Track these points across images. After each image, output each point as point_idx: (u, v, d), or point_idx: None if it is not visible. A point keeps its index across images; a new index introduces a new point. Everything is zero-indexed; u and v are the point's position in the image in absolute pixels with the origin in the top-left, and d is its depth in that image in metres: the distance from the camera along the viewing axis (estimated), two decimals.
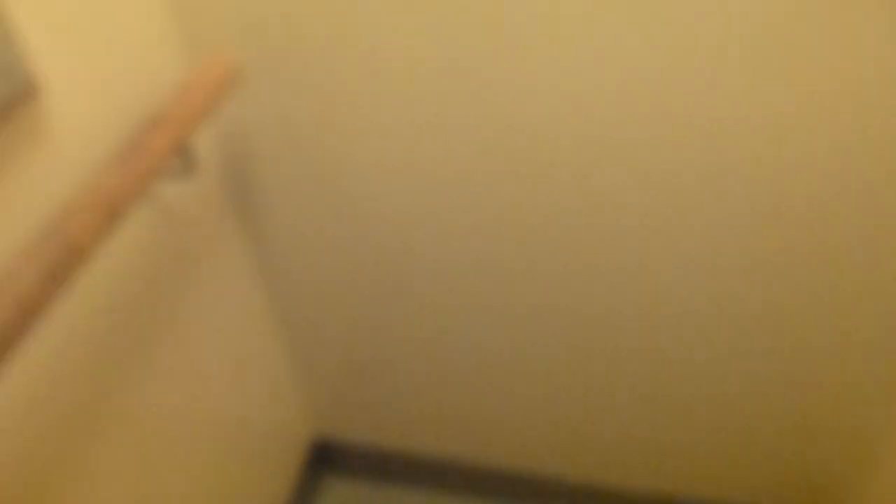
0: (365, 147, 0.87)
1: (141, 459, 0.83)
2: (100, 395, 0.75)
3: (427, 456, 1.34)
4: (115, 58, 0.72)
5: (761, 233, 0.83)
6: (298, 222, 0.98)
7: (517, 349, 1.09)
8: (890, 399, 0.98)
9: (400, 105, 0.81)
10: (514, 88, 0.77)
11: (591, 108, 0.76)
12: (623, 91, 0.74)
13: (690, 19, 0.68)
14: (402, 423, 1.29)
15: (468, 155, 0.85)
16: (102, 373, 0.75)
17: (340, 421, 1.32)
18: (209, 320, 0.95)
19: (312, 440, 1.36)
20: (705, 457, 1.15)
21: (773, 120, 0.73)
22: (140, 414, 0.82)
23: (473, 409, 1.22)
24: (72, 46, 0.65)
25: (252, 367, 1.08)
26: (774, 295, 0.89)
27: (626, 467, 1.22)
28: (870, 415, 1.01)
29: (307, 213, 0.96)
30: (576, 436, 1.19)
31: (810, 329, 0.92)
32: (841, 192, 0.77)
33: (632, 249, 0.90)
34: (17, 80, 0.58)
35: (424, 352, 1.14)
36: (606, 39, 0.71)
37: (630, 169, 0.81)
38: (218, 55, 0.78)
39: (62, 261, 0.57)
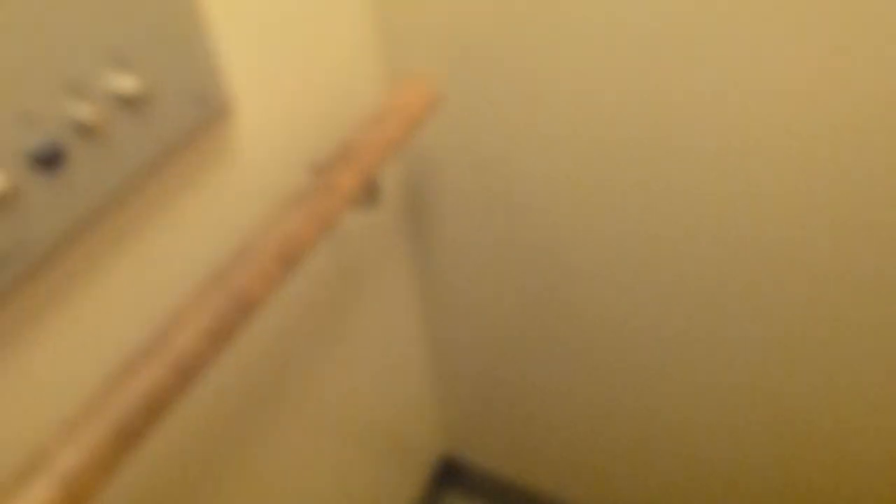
0: (539, 172, 0.78)
1: (298, 458, 0.83)
2: (262, 399, 0.71)
3: (548, 496, 1.27)
4: (310, 77, 0.65)
5: None
6: (463, 242, 0.92)
7: (681, 410, 0.97)
8: None
9: (583, 130, 0.72)
10: (692, 109, 0.65)
11: (785, 129, 0.63)
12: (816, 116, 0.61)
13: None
14: (529, 456, 1.23)
15: (641, 184, 0.74)
16: (266, 382, 0.71)
17: (470, 441, 1.28)
18: (368, 335, 0.91)
19: (441, 456, 1.32)
20: None
21: None
22: (296, 421, 0.79)
23: (607, 459, 1.13)
24: (266, 65, 0.59)
25: (397, 379, 1.05)
26: None
27: None
28: None
29: (472, 233, 0.90)
30: None
31: None
32: None
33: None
34: (211, 101, 0.53)
35: (569, 390, 1.06)
36: (803, 60, 0.57)
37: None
38: (418, 78, 0.70)
39: (231, 314, 0.51)
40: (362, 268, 0.84)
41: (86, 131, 0.44)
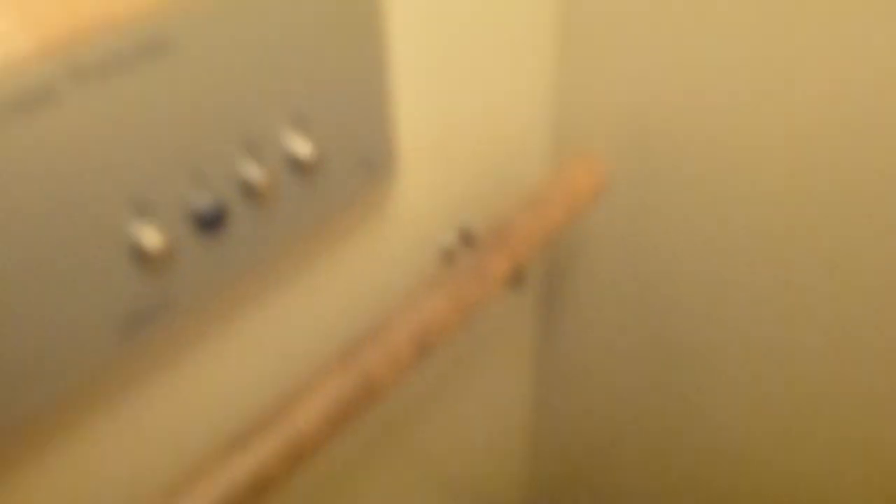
0: (693, 270, 0.72)
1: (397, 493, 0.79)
2: (360, 453, 0.68)
3: None
4: (477, 144, 0.61)
5: None
6: (591, 320, 0.88)
7: None
8: None
9: (754, 239, 0.65)
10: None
11: None
12: None
13: None
14: None
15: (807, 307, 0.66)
16: (367, 438, 0.68)
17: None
18: (477, 398, 0.87)
19: None
20: None
21: None
22: (388, 476, 0.76)
23: None
24: (435, 127, 0.55)
25: (495, 430, 1.01)
26: None
27: None
28: None
29: (605, 314, 0.86)
30: None
31: None
32: None
33: None
34: (379, 164, 0.49)
35: (676, 481, 0.99)
36: None
37: None
38: (587, 158, 0.64)
39: (355, 398, 0.48)
40: (481, 334, 0.80)
41: (251, 193, 0.41)
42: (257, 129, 0.41)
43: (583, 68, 0.65)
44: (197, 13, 0.35)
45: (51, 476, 0.42)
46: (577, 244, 0.78)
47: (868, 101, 0.54)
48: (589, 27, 0.63)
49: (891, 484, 0.76)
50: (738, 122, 0.60)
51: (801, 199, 0.61)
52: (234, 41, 0.37)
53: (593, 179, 0.63)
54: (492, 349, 0.85)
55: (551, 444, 1.12)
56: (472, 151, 0.61)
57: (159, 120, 0.36)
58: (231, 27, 0.37)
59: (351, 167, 0.47)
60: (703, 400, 0.85)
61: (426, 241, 0.61)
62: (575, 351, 0.92)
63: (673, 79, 0.61)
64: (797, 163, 0.59)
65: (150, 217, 0.38)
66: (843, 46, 0.53)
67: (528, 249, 0.58)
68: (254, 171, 0.41)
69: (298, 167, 0.43)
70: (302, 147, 0.43)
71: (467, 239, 0.65)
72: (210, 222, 0.40)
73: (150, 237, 0.38)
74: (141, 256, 0.38)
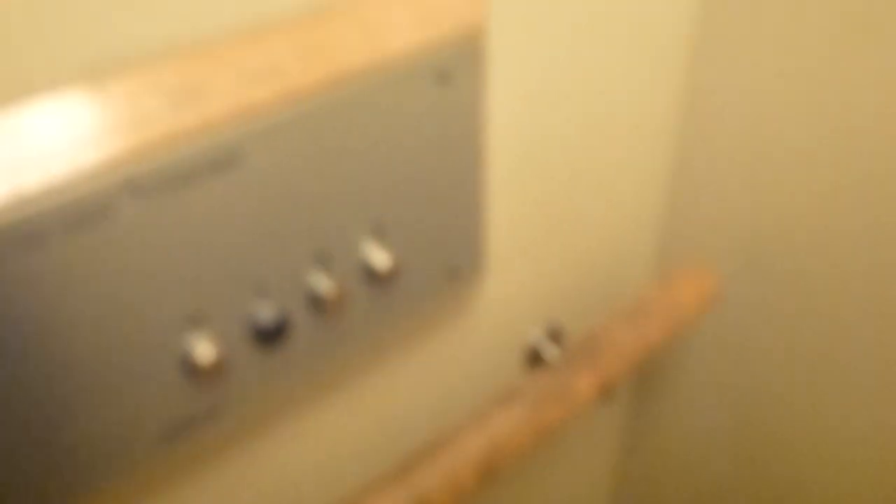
0: (794, 403, 0.64)
1: None
2: None
3: None
4: (573, 249, 0.56)
5: None
6: (684, 433, 0.79)
7: None
8: None
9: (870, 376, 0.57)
10: None
11: None
12: None
13: None
14: None
15: None
16: None
17: None
18: (557, 486, 0.81)
19: None
20: None
21: None
22: None
23: None
24: (527, 230, 0.51)
25: None
26: None
27: None
28: None
29: (692, 425, 0.77)
30: None
31: None
32: None
33: None
34: (463, 272, 0.46)
35: None
36: None
37: None
38: (693, 272, 0.59)
39: None
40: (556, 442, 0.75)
41: (319, 305, 0.39)
42: (330, 240, 0.38)
43: (697, 176, 0.60)
44: (266, 125, 0.33)
45: None
46: (675, 356, 0.71)
47: None
48: (707, 134, 0.58)
49: None
50: (859, 238, 0.53)
51: None
52: (306, 152, 0.35)
53: (701, 294, 0.58)
54: (568, 458, 0.79)
55: None
56: (569, 249, 0.56)
57: (223, 233, 0.34)
58: (303, 138, 0.35)
59: (432, 274, 0.44)
60: None
61: (510, 337, 0.57)
62: (659, 468, 0.86)
63: (793, 193, 0.55)
64: None
65: (205, 330, 0.35)
66: None
67: (622, 367, 0.53)
68: (323, 283, 0.38)
69: (373, 277, 0.40)
70: (378, 257, 0.40)
71: (556, 337, 0.61)
72: (270, 336, 0.37)
73: (203, 351, 0.35)
74: (191, 369, 0.35)
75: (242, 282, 0.36)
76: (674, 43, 0.54)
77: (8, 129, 0.27)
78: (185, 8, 0.30)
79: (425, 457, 0.46)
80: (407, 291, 0.43)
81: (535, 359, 0.61)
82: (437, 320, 0.49)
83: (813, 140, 0.52)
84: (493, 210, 0.48)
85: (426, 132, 0.39)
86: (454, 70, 0.39)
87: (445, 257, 0.44)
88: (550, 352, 0.60)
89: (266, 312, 0.37)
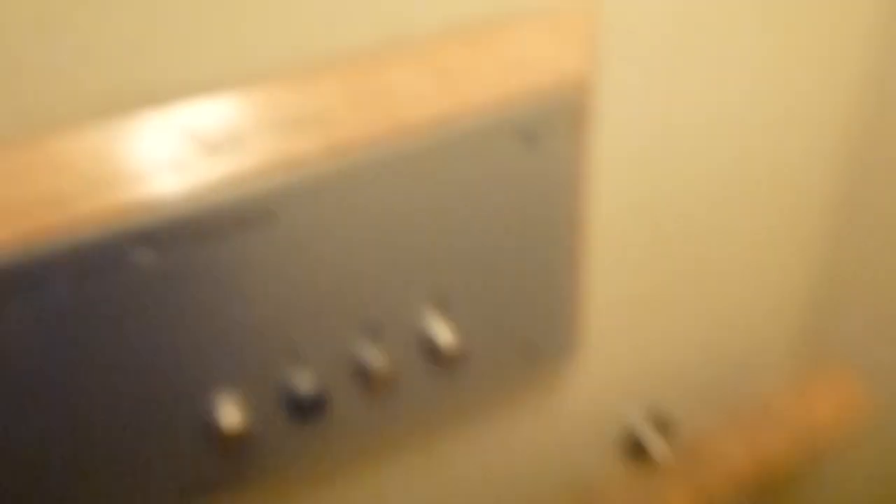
0: None
1: None
2: None
3: None
4: (690, 320, 0.49)
5: None
6: None
7: None
8: None
9: None
10: None
11: None
12: None
13: None
14: None
15: None
16: None
17: None
18: None
19: None
20: None
21: None
22: None
23: None
24: (631, 308, 0.45)
25: None
26: None
27: None
28: None
29: None
30: None
31: None
32: None
33: None
34: (543, 352, 0.40)
35: None
36: None
37: None
38: (837, 378, 0.49)
39: None
40: None
41: (366, 380, 0.34)
42: (382, 309, 0.34)
43: (856, 263, 0.50)
44: (307, 178, 0.29)
45: None
46: (805, 481, 0.61)
47: None
48: (875, 210, 0.49)
49: None
50: None
51: None
52: (356, 210, 0.31)
53: (844, 404, 0.48)
54: None
55: None
56: (684, 332, 0.49)
57: (256, 291, 0.30)
58: (352, 195, 0.31)
59: (507, 353, 0.39)
60: None
61: (606, 424, 0.50)
62: None
63: None
64: None
65: (233, 394, 0.32)
66: None
67: (729, 486, 0.45)
68: (372, 356, 0.34)
69: (433, 353, 0.36)
70: (440, 332, 0.35)
71: (662, 428, 0.53)
72: (306, 408, 0.34)
73: (229, 416, 0.32)
74: (215, 434, 0.32)
75: (278, 349, 0.32)
76: (839, 105, 0.46)
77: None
78: (237, 45, 0.27)
79: None
80: (474, 370, 0.38)
81: (636, 450, 0.54)
82: (515, 401, 0.44)
83: None
84: (592, 283, 0.42)
85: (505, 196, 0.34)
86: (545, 128, 0.34)
87: (525, 334, 0.39)
88: (655, 445, 0.52)
89: (303, 383, 0.33)
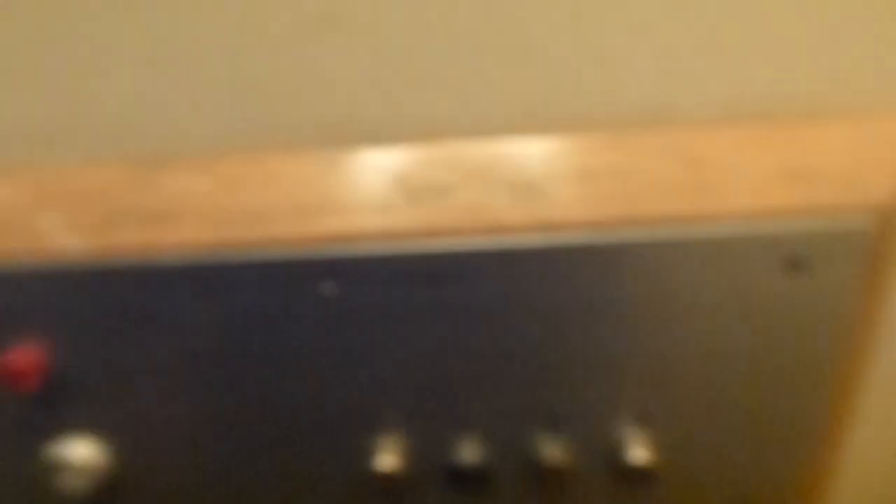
0: None
1: None
2: None
3: None
4: None
5: None
6: None
7: None
8: None
9: None
10: None
11: None
12: None
13: None
14: None
15: None
16: None
17: None
18: None
19: None
20: None
21: None
22: None
23: None
24: None
25: None
26: None
27: None
28: None
29: None
30: None
31: None
32: None
33: None
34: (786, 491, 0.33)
35: None
36: None
37: None
38: None
39: None
40: None
41: (536, 471, 0.31)
42: (569, 404, 0.30)
43: None
44: (503, 250, 0.27)
45: None
46: None
47: None
48: None
49: None
50: None
51: None
52: (559, 293, 0.28)
53: None
54: None
55: None
56: None
57: (433, 350, 0.29)
58: (558, 277, 0.27)
59: (707, 499, 0.33)
60: None
61: None
62: None
63: None
64: None
65: (395, 443, 0.31)
66: None
67: None
68: (549, 450, 0.31)
69: (620, 471, 0.31)
70: (632, 446, 0.30)
71: None
72: (465, 478, 0.31)
73: (387, 461, 0.31)
74: (371, 473, 0.32)
75: (448, 408, 0.30)
76: None
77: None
78: (462, 99, 0.26)
79: None
80: (660, 500, 0.32)
81: None
82: None
83: None
84: (847, 452, 0.33)
85: (749, 319, 0.28)
86: (819, 254, 0.27)
87: (737, 486, 0.32)
88: None
89: (468, 451, 0.31)
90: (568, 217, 0.26)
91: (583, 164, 0.25)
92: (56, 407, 0.32)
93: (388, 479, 0.31)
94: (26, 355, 0.30)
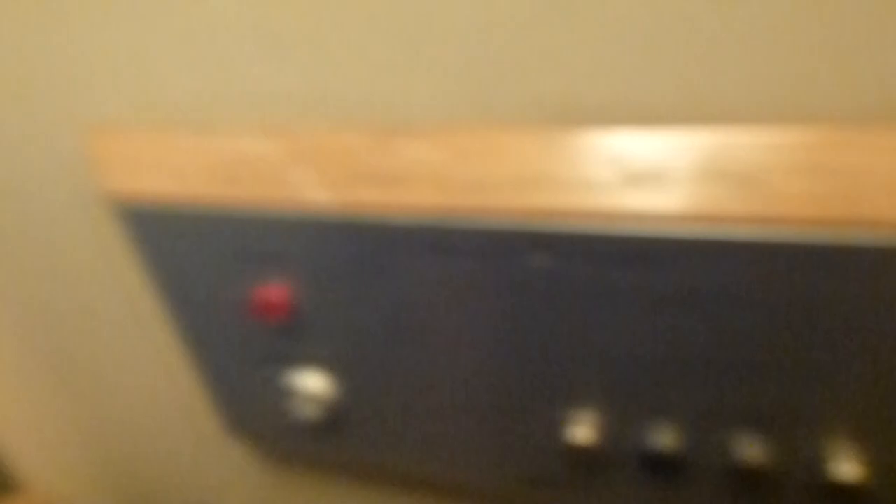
0: None
1: None
2: None
3: None
4: None
5: None
6: None
7: None
8: None
9: None
10: None
11: None
12: None
13: None
14: None
15: None
16: None
17: None
18: None
19: None
20: None
21: None
22: None
23: None
24: None
25: None
26: None
27: None
28: None
29: None
30: None
31: None
32: None
33: None
34: None
35: None
36: None
37: None
38: None
39: None
40: None
41: (734, 469, 0.31)
42: (778, 405, 0.29)
43: None
44: (718, 241, 0.26)
45: None
46: None
47: None
48: None
49: None
50: None
51: None
52: (780, 290, 0.27)
53: None
54: None
55: None
56: None
57: (633, 331, 0.29)
58: (780, 275, 0.26)
59: None
60: None
61: None
62: None
63: None
64: None
65: (593, 417, 0.32)
66: None
67: None
68: (750, 450, 0.30)
69: (825, 481, 0.30)
70: (840, 461, 0.29)
71: None
72: (659, 463, 0.32)
73: (582, 434, 0.32)
74: (567, 444, 0.33)
75: (651, 393, 0.31)
76: None
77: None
78: (695, 83, 0.26)
79: None
80: None
81: None
82: None
83: None
84: None
85: None
86: None
87: None
88: None
89: (664, 437, 0.31)
90: (791, 212, 0.25)
91: (810, 158, 0.24)
92: (296, 340, 0.36)
93: (580, 452, 0.32)
94: (277, 291, 0.34)
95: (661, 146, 0.26)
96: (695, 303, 0.28)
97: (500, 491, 0.37)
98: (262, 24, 0.30)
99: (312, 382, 0.37)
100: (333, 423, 0.39)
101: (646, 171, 0.26)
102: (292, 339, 0.36)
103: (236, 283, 0.35)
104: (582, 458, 0.33)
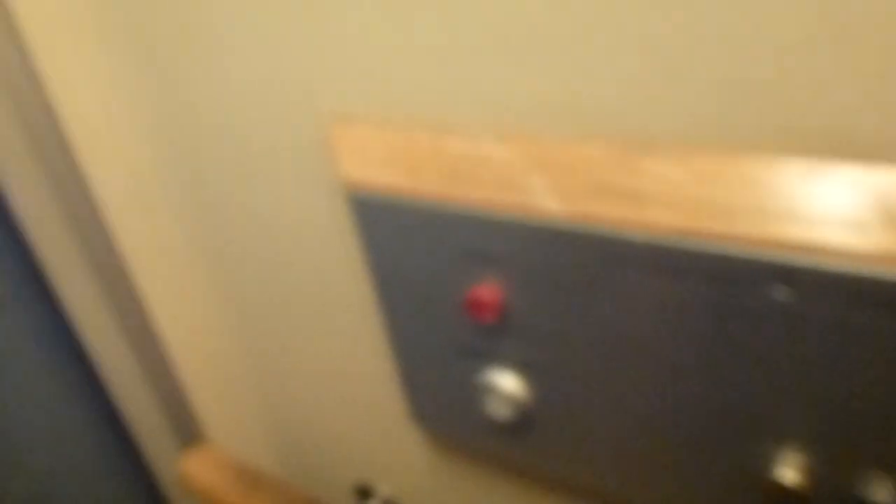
0: None
1: None
2: None
3: None
4: None
5: None
6: None
7: None
8: None
9: None
10: None
11: None
12: None
13: None
14: None
15: None
16: None
17: None
18: None
19: None
20: None
21: None
22: None
23: None
24: None
25: None
26: None
27: None
28: None
29: None
30: None
31: None
32: None
33: None
34: None
35: None
36: None
37: None
38: None
39: None
40: None
41: None
42: None
43: None
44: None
45: None
46: None
47: None
48: None
49: None
50: None
51: None
52: None
53: None
54: None
55: None
56: None
57: (866, 380, 0.28)
58: None
59: None
60: None
61: None
62: None
63: None
64: None
65: (800, 460, 0.31)
66: None
67: None
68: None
69: None
70: None
71: None
72: None
73: (790, 476, 0.31)
74: (769, 484, 0.32)
75: (866, 446, 0.29)
76: None
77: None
78: None
79: None
80: None
81: None
82: None
83: None
84: None
85: None
86: None
87: None
88: None
89: (881, 490, 0.30)
90: None
91: None
92: (500, 340, 0.37)
93: (786, 493, 0.31)
94: (490, 291, 0.36)
95: None
96: None
97: None
98: (507, 27, 0.31)
99: (509, 383, 0.38)
100: (521, 425, 0.40)
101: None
102: (497, 339, 0.37)
103: (452, 279, 0.37)
104: (785, 500, 0.32)
